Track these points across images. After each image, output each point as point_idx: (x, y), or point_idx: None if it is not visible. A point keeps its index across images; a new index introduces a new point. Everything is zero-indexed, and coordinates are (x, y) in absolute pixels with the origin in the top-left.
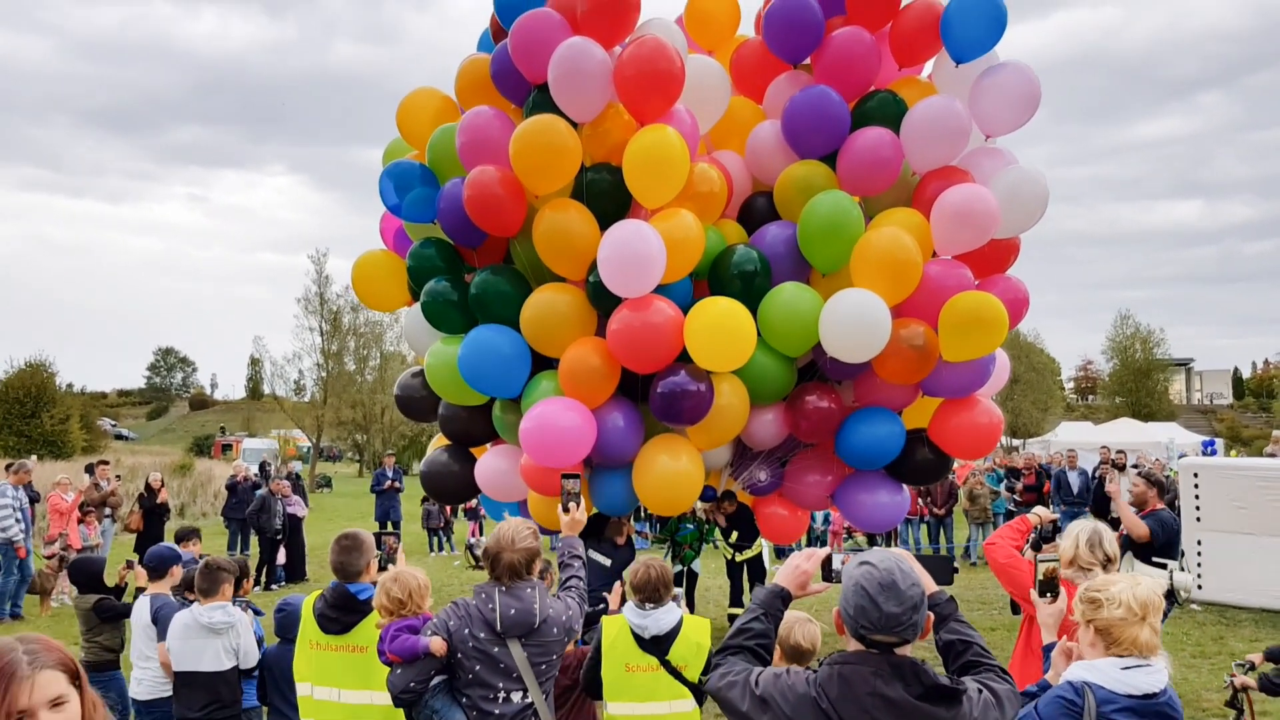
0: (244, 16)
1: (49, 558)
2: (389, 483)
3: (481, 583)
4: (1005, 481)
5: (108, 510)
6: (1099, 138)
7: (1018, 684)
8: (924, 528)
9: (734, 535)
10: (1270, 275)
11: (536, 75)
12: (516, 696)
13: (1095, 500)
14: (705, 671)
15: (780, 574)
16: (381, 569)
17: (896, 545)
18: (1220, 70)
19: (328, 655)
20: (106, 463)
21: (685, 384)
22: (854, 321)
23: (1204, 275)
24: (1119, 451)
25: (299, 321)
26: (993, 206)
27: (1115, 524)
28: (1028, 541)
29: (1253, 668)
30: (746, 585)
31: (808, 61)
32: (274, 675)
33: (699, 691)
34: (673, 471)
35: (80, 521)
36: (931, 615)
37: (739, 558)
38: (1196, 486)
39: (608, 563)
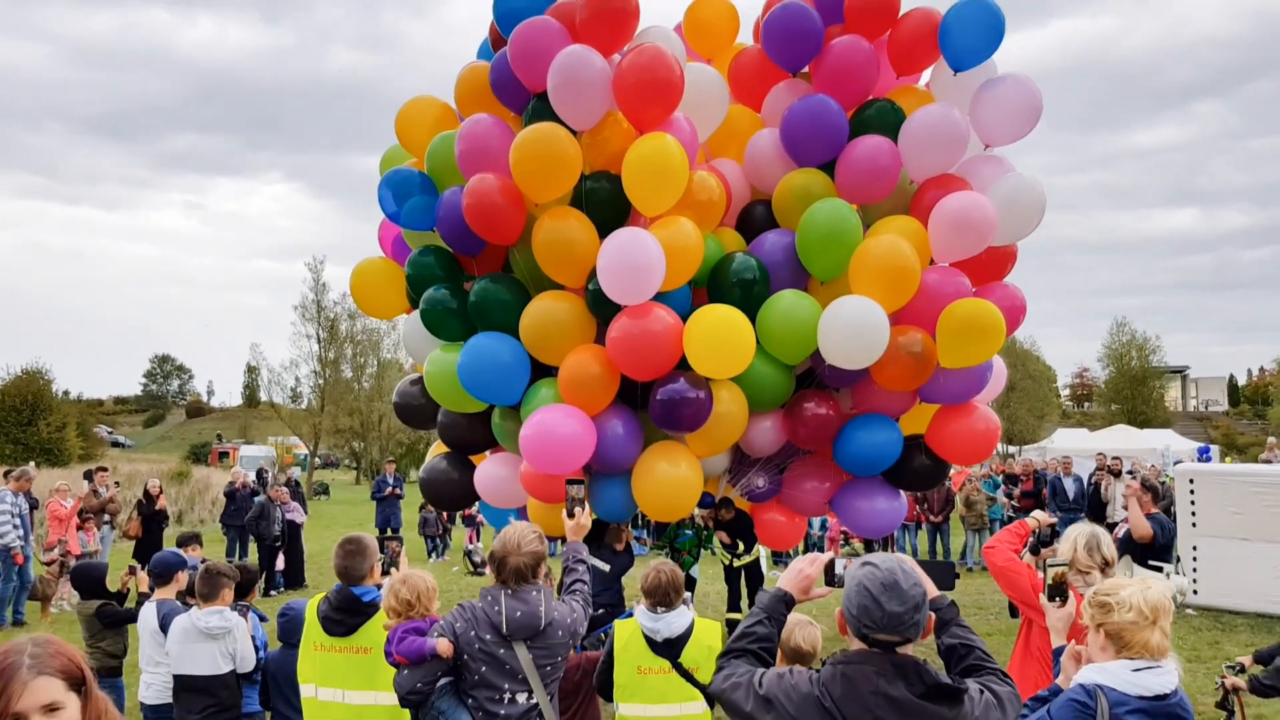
0: (240, 24)
1: (48, 564)
2: (390, 490)
3: (486, 586)
4: (1004, 488)
5: (106, 517)
6: (1096, 146)
7: (1017, 685)
8: (921, 533)
9: (740, 548)
10: (1266, 283)
11: (536, 83)
12: (522, 698)
13: (1091, 506)
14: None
15: (783, 578)
16: (384, 573)
17: (894, 551)
18: (1216, 78)
19: (332, 657)
20: (105, 469)
21: (684, 391)
22: (852, 329)
23: (1200, 283)
24: (1114, 458)
25: (296, 329)
26: (990, 214)
27: (1111, 529)
28: (1026, 545)
29: (1243, 670)
30: (744, 590)
31: (806, 70)
32: (277, 680)
33: (710, 694)
34: (672, 478)
35: (79, 528)
36: (933, 615)
37: (737, 563)
38: (1192, 492)
39: (607, 568)
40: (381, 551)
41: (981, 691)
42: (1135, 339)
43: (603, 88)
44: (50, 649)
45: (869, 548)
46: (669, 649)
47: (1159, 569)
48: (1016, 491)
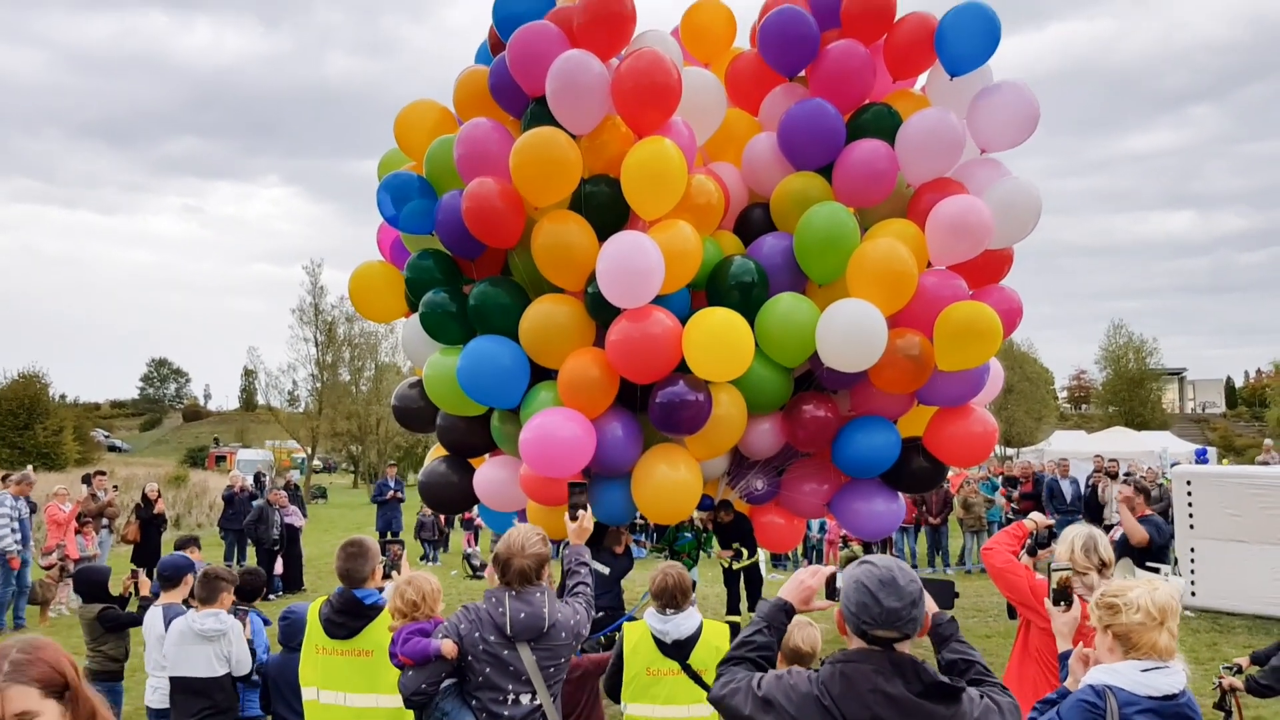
0: (239, 29)
1: (47, 568)
2: (391, 493)
3: (489, 589)
4: (1003, 490)
5: (105, 521)
6: (1092, 150)
7: (1016, 687)
8: (920, 537)
9: (745, 554)
10: (1263, 285)
11: (534, 88)
12: (525, 699)
13: (1088, 507)
14: None
15: (785, 588)
16: (386, 576)
17: (892, 554)
18: (1212, 83)
19: (334, 660)
20: (104, 473)
21: (684, 394)
22: (851, 332)
23: (1197, 286)
24: (1112, 460)
25: (293, 332)
26: (987, 218)
27: (1108, 530)
28: (1023, 547)
29: (1240, 670)
30: (744, 593)
31: (803, 74)
32: (278, 684)
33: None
34: (672, 481)
35: (77, 532)
36: (929, 615)
37: (735, 566)
38: (1190, 494)
39: (607, 571)
40: (383, 554)
41: (982, 696)
42: (1132, 341)
43: (601, 92)
44: (34, 654)
45: (868, 550)
46: (678, 650)
47: (1155, 570)
48: (1016, 494)
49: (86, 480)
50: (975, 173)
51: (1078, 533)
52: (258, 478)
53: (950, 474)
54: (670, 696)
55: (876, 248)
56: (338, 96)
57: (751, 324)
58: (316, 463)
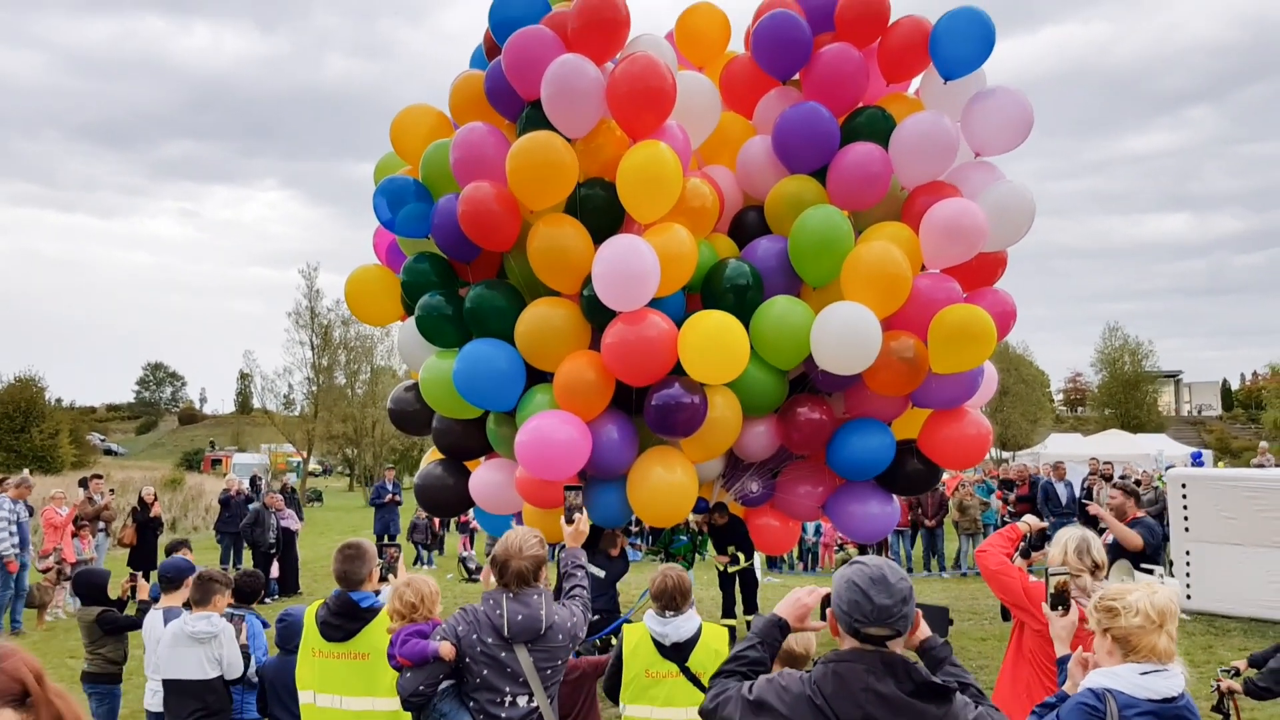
0: (236, 32)
1: (44, 571)
2: (389, 496)
3: (487, 591)
4: (999, 493)
5: (101, 524)
6: (1088, 152)
7: (1010, 689)
8: (916, 539)
9: (742, 559)
10: (1259, 288)
11: (530, 92)
12: (522, 701)
13: (1082, 510)
14: None
15: (781, 605)
16: (382, 579)
17: (888, 557)
18: (1208, 84)
19: (330, 663)
20: (100, 477)
21: (679, 396)
22: (845, 334)
23: (1193, 288)
24: (1107, 462)
25: (289, 335)
26: (980, 221)
27: (1102, 533)
28: (1017, 549)
29: (1237, 673)
30: (739, 596)
31: (797, 78)
32: (274, 686)
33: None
34: (667, 483)
35: (74, 535)
36: (923, 636)
37: (731, 570)
38: (1185, 497)
39: (602, 574)
40: (380, 557)
41: (976, 704)
42: (1128, 344)
43: (596, 96)
44: None
45: (863, 553)
46: (677, 653)
47: (1149, 573)
48: (1012, 496)
49: (83, 484)
50: (969, 176)
51: (1070, 535)
52: (254, 481)
53: (946, 477)
54: (669, 699)
55: (871, 251)
56: (335, 100)
57: (746, 327)
58: (313, 466)
